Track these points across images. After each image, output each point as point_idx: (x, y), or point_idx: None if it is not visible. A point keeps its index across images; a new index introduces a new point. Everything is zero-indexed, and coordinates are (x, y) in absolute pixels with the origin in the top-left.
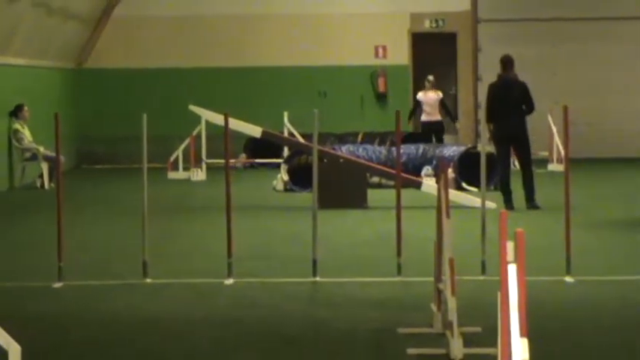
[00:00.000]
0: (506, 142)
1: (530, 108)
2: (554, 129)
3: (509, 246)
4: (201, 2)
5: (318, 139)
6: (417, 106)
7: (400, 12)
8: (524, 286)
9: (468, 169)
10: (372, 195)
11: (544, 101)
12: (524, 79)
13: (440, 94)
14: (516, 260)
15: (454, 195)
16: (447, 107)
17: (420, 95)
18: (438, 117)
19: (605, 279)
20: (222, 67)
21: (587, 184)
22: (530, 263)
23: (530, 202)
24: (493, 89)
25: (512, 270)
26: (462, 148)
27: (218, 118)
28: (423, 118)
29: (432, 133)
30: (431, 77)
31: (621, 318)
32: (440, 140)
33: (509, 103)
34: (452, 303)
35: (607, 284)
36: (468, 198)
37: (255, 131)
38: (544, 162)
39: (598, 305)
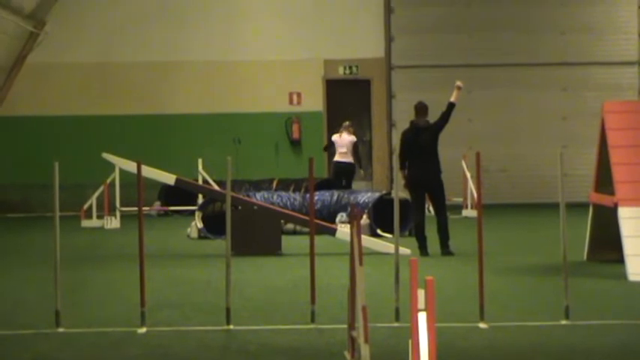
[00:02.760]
0: (420, 189)
1: (444, 121)
2: (468, 175)
3: (420, 294)
4: (114, 50)
5: (232, 186)
6: (330, 146)
7: (314, 59)
8: (434, 334)
9: (382, 216)
10: (287, 242)
11: (458, 147)
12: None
13: (354, 138)
14: (427, 308)
15: (368, 241)
16: (358, 153)
17: (335, 137)
18: (350, 159)
19: (518, 324)
20: (135, 115)
21: (501, 229)
22: (444, 309)
23: (445, 248)
24: (406, 135)
25: (422, 318)
26: (377, 195)
27: (131, 166)
28: (336, 158)
29: (343, 174)
30: (347, 123)
31: None
32: (349, 183)
33: (422, 149)
34: (365, 350)
35: (520, 330)
36: (382, 244)
37: (169, 179)
38: (458, 208)
39: (511, 351)
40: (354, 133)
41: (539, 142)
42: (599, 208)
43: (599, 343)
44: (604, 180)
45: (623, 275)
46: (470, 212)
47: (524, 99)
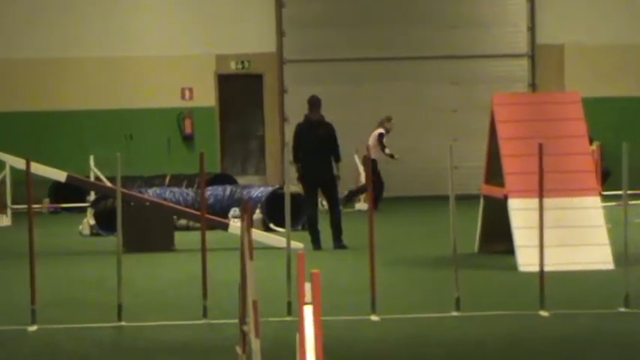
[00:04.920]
0: (312, 183)
1: (336, 155)
2: (361, 168)
3: (307, 287)
4: (1, 46)
5: (124, 182)
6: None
7: (206, 54)
8: (320, 327)
9: (275, 210)
10: (180, 237)
11: (351, 141)
12: (331, 119)
13: (378, 131)
14: (313, 301)
15: (261, 236)
16: (382, 145)
17: None
18: (371, 154)
19: (409, 316)
20: (25, 112)
21: (394, 222)
22: (337, 302)
23: (337, 241)
24: (299, 129)
25: (308, 311)
26: (269, 189)
27: (21, 163)
28: None
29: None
30: (384, 117)
31: (424, 356)
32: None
33: (315, 143)
34: (255, 345)
35: (411, 322)
36: (274, 238)
37: (60, 175)
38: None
39: (401, 343)
40: (382, 125)
41: (431, 134)
42: (489, 200)
43: (488, 334)
44: (494, 172)
45: (514, 266)
46: (363, 205)
47: (416, 92)
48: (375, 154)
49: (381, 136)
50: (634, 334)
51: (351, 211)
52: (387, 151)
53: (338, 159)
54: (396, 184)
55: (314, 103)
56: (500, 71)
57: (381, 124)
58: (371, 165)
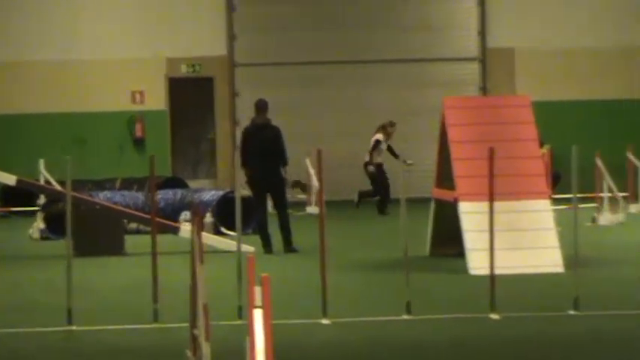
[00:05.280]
0: (261, 186)
1: (283, 159)
2: (312, 172)
3: (256, 291)
4: None
5: (75, 186)
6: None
7: (156, 57)
8: (270, 331)
9: (226, 214)
10: (130, 241)
11: (302, 144)
12: (283, 123)
13: (375, 137)
14: (263, 305)
15: (212, 239)
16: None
17: None
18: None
19: (360, 320)
20: None
21: (345, 225)
22: (288, 306)
23: (288, 245)
24: (246, 133)
25: (258, 314)
26: (220, 193)
27: None
28: None
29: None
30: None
31: (372, 358)
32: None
33: (262, 147)
34: (206, 348)
35: (362, 325)
36: (225, 242)
37: (9, 179)
38: (302, 205)
39: (352, 347)
40: (381, 130)
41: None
42: (440, 203)
43: (439, 337)
44: (445, 175)
45: (464, 269)
46: (313, 209)
47: (367, 95)
48: (378, 158)
49: (377, 142)
50: (583, 336)
51: (302, 214)
52: (377, 159)
53: (285, 162)
54: (348, 188)
55: (261, 106)
56: (451, 75)
57: (381, 129)
58: (374, 170)
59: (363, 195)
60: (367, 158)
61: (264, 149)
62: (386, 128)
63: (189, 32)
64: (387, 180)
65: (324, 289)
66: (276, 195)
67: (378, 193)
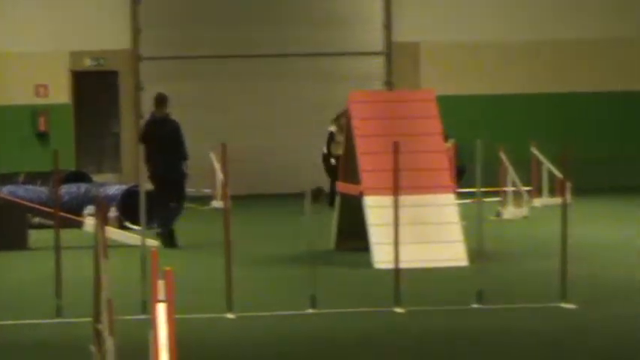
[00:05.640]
0: (159, 181)
1: (183, 153)
2: (218, 166)
3: (160, 285)
4: None
5: None
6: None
7: (60, 50)
8: (173, 325)
9: (131, 208)
10: (34, 236)
11: (209, 139)
12: (188, 117)
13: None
14: (166, 299)
15: (116, 234)
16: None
17: None
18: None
19: (265, 314)
20: None
21: (252, 220)
22: (192, 301)
23: (164, 239)
24: (145, 128)
25: (161, 309)
26: (125, 187)
27: None
28: None
29: None
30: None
31: (278, 353)
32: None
33: (160, 141)
34: (110, 343)
35: (267, 319)
36: (130, 236)
37: None
38: (208, 199)
39: (257, 341)
40: (335, 122)
41: (291, 132)
42: (346, 197)
43: (344, 331)
44: (350, 169)
45: (369, 263)
46: (219, 203)
47: (275, 90)
48: (339, 150)
49: (331, 134)
50: (487, 329)
51: (207, 209)
52: (338, 151)
53: (184, 157)
54: (256, 182)
55: (160, 100)
56: (357, 69)
57: (334, 121)
58: (336, 163)
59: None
60: (325, 151)
61: (162, 144)
62: (339, 120)
63: (94, 25)
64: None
65: (228, 283)
66: (174, 190)
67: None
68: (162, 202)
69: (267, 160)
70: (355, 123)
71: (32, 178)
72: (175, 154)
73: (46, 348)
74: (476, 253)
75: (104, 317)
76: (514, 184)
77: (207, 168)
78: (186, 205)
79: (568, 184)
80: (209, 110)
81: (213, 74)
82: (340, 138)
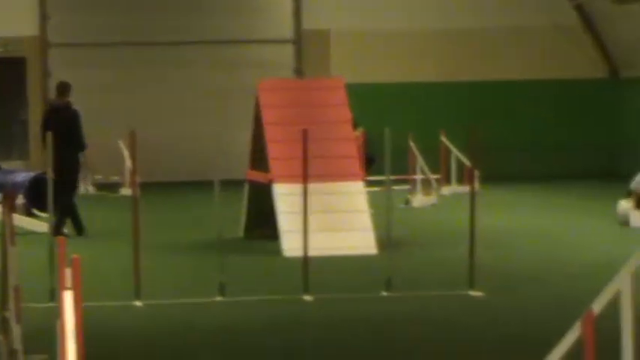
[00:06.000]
0: (58, 169)
1: (79, 143)
2: (126, 153)
3: (67, 272)
4: None
5: None
6: None
7: None
8: (80, 313)
9: (38, 195)
10: None
11: (118, 126)
12: (97, 104)
13: None
14: (73, 286)
15: (22, 221)
16: None
17: None
18: None
19: (173, 302)
20: None
21: (160, 208)
22: (100, 288)
23: (56, 230)
24: (44, 116)
25: (68, 296)
26: (32, 174)
27: None
28: None
29: None
30: None
31: (187, 341)
32: None
33: (57, 130)
34: (17, 331)
35: (175, 307)
36: (38, 224)
37: None
38: (118, 186)
39: (165, 329)
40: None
41: (199, 120)
42: (255, 186)
43: (253, 319)
44: (259, 157)
45: (279, 251)
46: (127, 191)
47: (183, 77)
48: None
49: None
50: (395, 317)
51: (116, 196)
52: None
53: (80, 146)
54: (166, 170)
55: (61, 88)
56: (266, 57)
57: None
58: None
59: None
60: None
61: (60, 132)
62: None
63: (1, 11)
64: None
65: (136, 271)
66: (67, 179)
67: None
68: (66, 190)
69: (177, 147)
70: (264, 111)
71: None
72: (71, 143)
73: None
74: (385, 241)
75: (11, 305)
76: (423, 173)
77: (115, 155)
78: (96, 192)
79: (476, 173)
80: (118, 98)
81: (123, 61)
82: None
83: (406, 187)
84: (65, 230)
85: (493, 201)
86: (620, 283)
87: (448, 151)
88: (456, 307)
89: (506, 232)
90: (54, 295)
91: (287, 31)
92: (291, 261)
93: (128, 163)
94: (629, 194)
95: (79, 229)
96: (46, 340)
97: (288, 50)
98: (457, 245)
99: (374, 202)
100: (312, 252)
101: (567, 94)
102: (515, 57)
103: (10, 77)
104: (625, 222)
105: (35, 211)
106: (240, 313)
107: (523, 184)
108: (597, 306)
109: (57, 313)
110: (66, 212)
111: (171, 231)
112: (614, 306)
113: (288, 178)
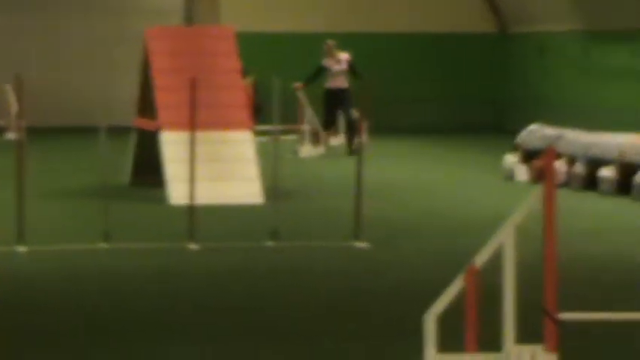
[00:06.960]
0: None
1: None
2: (13, 99)
3: None
4: None
5: None
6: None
7: None
8: None
9: None
10: None
11: (4, 69)
12: None
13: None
14: None
15: None
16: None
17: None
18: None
19: (57, 248)
20: None
21: (46, 153)
22: None
23: None
24: None
25: None
26: None
27: None
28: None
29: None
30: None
31: (71, 288)
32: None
33: None
34: None
35: (59, 253)
36: None
37: None
38: (2, 130)
39: (49, 275)
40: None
41: (87, 66)
42: (142, 133)
43: (138, 266)
44: (147, 105)
45: (165, 199)
46: (12, 135)
47: (72, 23)
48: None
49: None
50: (280, 267)
51: (1, 141)
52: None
53: None
54: (49, 116)
55: None
56: (155, 4)
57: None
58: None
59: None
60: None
61: None
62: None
63: None
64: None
65: (20, 215)
66: None
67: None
68: None
69: (64, 93)
70: (153, 58)
71: None
72: None
73: None
74: (272, 191)
75: None
76: (311, 123)
77: (1, 100)
78: None
79: (365, 124)
80: (4, 42)
81: (9, 6)
82: (338, 67)
83: (295, 137)
84: None
85: (381, 153)
86: (503, 237)
87: None
88: (341, 257)
89: (392, 185)
90: None
91: None
92: (177, 209)
93: (14, 106)
94: (514, 149)
95: None
96: None
97: None
98: (344, 196)
99: (262, 151)
100: (199, 200)
101: (456, 48)
102: (405, 9)
103: None
104: (510, 176)
105: None
106: (125, 261)
107: (411, 137)
108: (480, 259)
109: None
110: None
111: (56, 177)
112: (498, 259)
113: (176, 126)
